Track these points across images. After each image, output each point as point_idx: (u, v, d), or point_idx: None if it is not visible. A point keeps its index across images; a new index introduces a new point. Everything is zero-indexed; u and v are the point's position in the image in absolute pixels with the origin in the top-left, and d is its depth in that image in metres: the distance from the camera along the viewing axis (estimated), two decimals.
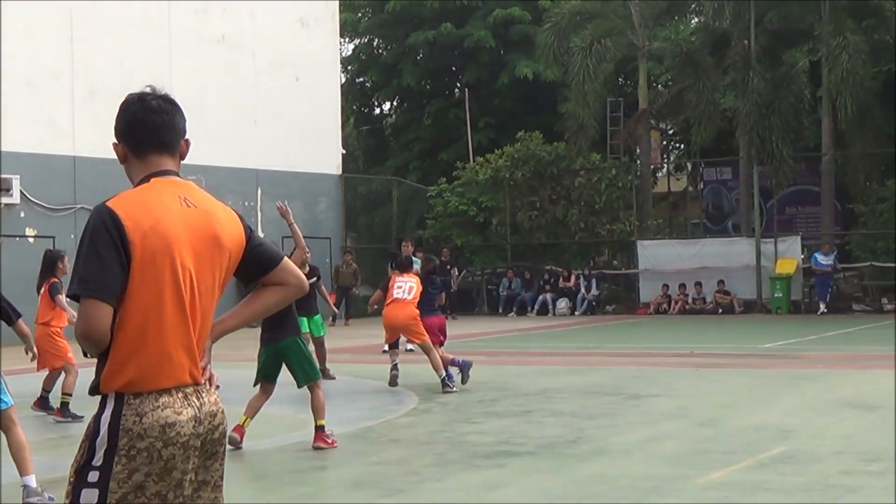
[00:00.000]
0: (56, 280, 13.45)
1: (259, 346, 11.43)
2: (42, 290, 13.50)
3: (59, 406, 13.48)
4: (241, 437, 11.10)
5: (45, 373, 13.87)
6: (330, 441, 11.19)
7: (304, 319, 17.22)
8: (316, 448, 11.09)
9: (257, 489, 9.29)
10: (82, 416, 12.99)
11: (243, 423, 11.22)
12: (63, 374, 13.56)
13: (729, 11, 35.65)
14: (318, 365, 11.89)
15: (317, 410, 11.14)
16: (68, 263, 13.59)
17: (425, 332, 15.69)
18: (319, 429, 11.16)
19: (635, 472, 9.61)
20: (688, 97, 35.99)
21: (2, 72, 27.16)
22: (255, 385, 11.50)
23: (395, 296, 15.90)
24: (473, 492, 9.10)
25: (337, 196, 36.91)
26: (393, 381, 15.70)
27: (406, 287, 16.08)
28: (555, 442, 11.25)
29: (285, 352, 11.18)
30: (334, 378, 17.26)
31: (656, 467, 9.81)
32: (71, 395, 13.32)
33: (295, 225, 11.66)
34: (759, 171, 34.80)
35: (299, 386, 11.45)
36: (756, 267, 33.71)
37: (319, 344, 17.46)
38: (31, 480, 8.98)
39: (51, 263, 13.55)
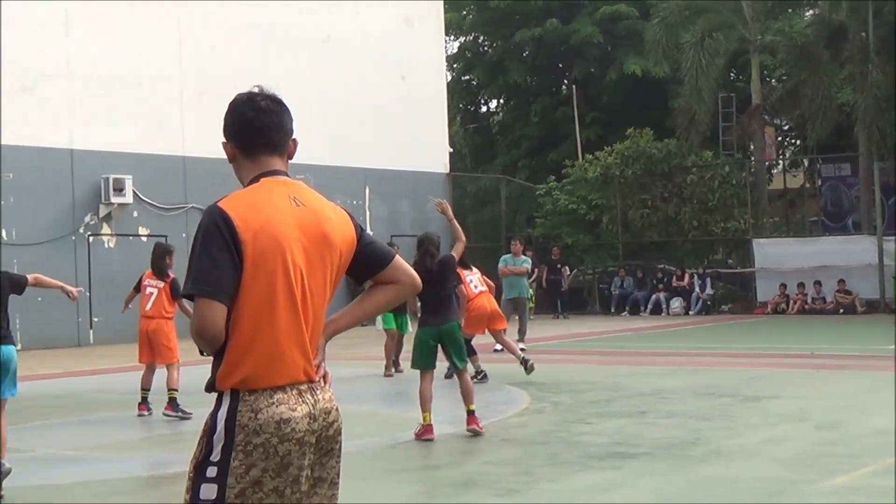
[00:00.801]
0: (175, 278, 13.67)
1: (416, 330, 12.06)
2: (163, 285, 13.70)
3: (168, 401, 13.60)
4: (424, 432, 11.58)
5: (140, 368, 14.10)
6: (481, 426, 11.76)
7: (391, 316, 17.60)
8: (470, 431, 11.68)
9: (369, 488, 9.22)
10: (191, 414, 13.12)
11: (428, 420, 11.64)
12: (162, 370, 13.87)
13: (845, 3, 34.90)
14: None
15: (466, 395, 11.80)
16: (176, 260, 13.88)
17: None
18: (471, 413, 11.75)
19: (754, 475, 9.36)
20: (803, 91, 35.32)
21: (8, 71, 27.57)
22: (413, 367, 12.06)
23: (481, 289, 16.82)
24: (588, 493, 8.96)
25: (445, 194, 36.86)
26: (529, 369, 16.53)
27: (476, 279, 17.00)
28: (671, 443, 11.04)
29: (448, 334, 11.80)
30: (402, 371, 17.92)
31: (776, 470, 9.54)
32: (177, 389, 13.48)
33: (454, 220, 12.47)
34: (879, 167, 34.04)
35: (457, 368, 11.98)
36: (878, 266, 32.90)
37: (398, 339, 18.38)
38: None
39: (160, 255, 13.79)
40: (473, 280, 16.91)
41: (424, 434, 11.56)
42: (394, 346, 18.36)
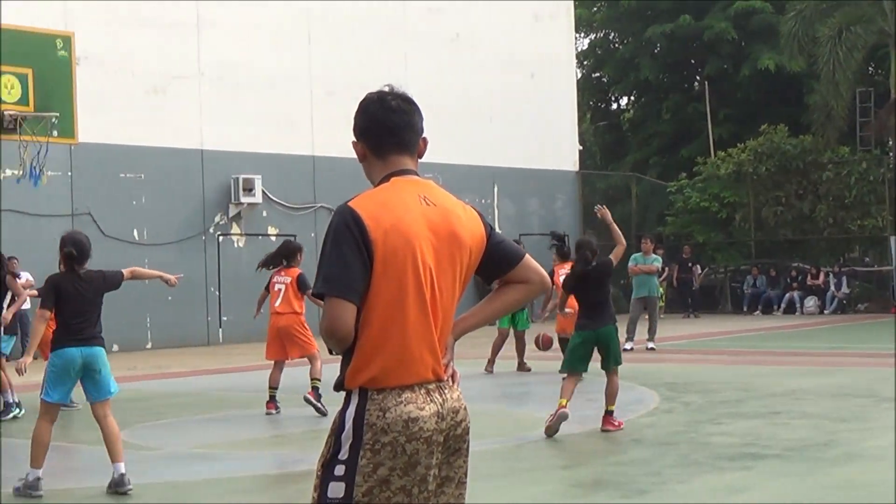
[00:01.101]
0: (302, 272, 13.85)
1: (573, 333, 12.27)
2: (290, 280, 13.83)
3: (310, 388, 13.70)
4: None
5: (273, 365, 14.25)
6: (617, 423, 11.96)
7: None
8: (604, 431, 11.82)
9: (497, 488, 9.22)
10: (327, 412, 13.23)
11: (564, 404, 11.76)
12: (290, 369, 14.01)
13: None
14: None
15: (610, 396, 11.98)
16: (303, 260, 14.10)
17: None
18: (608, 413, 11.95)
19: (891, 479, 9.13)
20: None
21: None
22: (560, 372, 12.29)
23: None
24: (718, 494, 8.85)
25: (574, 193, 36.77)
26: None
27: None
28: (804, 445, 10.85)
29: (605, 337, 11.95)
30: (530, 370, 18.08)
31: None
32: (320, 378, 13.58)
33: (614, 224, 12.64)
34: None
35: (607, 370, 12.06)
36: None
37: (519, 337, 18.39)
38: (123, 467, 9.28)
39: (290, 252, 13.95)
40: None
41: (556, 412, 11.71)
42: (501, 344, 18.39)
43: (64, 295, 9.28)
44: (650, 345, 21.92)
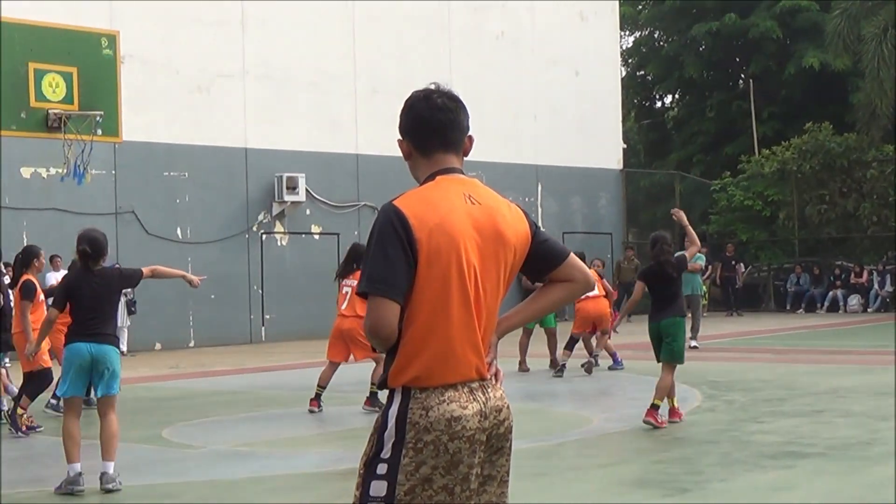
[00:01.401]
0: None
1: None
2: (356, 283, 13.79)
3: (368, 396, 13.77)
4: (656, 419, 12.09)
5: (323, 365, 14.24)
6: (660, 421, 12.04)
7: None
8: (644, 422, 11.96)
9: (539, 486, 9.23)
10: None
11: (664, 403, 12.23)
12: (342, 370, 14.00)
13: None
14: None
15: (660, 389, 12.15)
16: None
17: None
18: (653, 406, 12.07)
19: None
20: None
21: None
22: (658, 362, 12.54)
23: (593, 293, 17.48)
24: (760, 493, 8.83)
25: (618, 191, 36.67)
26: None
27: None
28: (847, 443, 10.80)
29: (665, 329, 12.25)
30: (564, 366, 18.06)
31: None
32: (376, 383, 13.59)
33: (689, 226, 13.08)
34: None
35: (662, 362, 12.33)
36: None
37: (551, 334, 18.50)
38: (111, 467, 9.30)
39: (359, 256, 13.99)
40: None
41: (672, 416, 12.35)
42: (528, 342, 18.38)
43: (77, 293, 9.37)
44: (693, 343, 21.86)
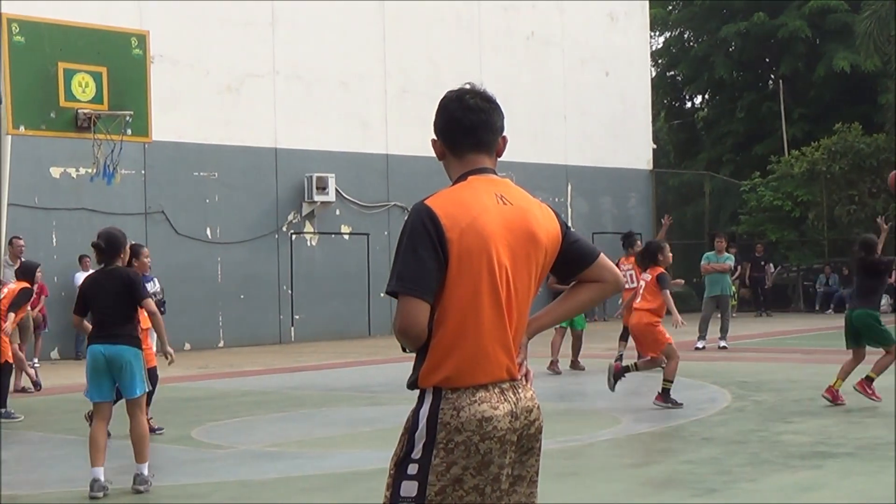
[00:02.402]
0: (665, 272, 14.07)
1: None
2: (651, 279, 13.84)
3: (660, 391, 13.75)
4: (835, 398, 13.32)
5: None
6: (874, 394, 13.30)
7: None
8: (855, 388, 13.25)
9: (568, 486, 9.23)
10: (682, 404, 13.32)
11: (835, 384, 13.31)
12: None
13: None
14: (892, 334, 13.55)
15: (880, 367, 13.28)
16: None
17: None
18: (867, 379, 13.34)
19: None
20: None
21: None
22: (847, 348, 13.49)
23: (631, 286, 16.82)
24: (788, 493, 8.82)
25: (648, 191, 36.60)
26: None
27: (629, 276, 17.09)
28: (876, 443, 10.77)
29: (857, 322, 13.21)
30: (584, 369, 18.10)
31: None
32: (671, 381, 13.61)
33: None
34: None
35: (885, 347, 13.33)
36: None
37: (577, 336, 18.35)
38: (144, 469, 9.31)
39: (650, 254, 14.17)
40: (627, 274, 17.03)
41: (836, 399, 13.29)
42: (560, 342, 18.22)
43: (89, 294, 9.43)
44: (722, 343, 21.84)
